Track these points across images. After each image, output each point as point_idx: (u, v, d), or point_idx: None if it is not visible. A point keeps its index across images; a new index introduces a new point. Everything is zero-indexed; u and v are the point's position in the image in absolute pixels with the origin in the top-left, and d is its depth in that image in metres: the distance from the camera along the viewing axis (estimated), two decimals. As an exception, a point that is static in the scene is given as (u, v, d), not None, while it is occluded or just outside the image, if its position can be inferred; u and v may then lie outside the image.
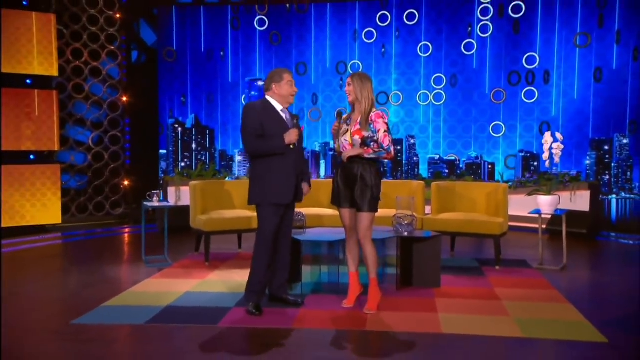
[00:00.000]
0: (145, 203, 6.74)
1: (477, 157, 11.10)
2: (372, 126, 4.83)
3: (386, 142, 4.83)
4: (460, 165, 11.13)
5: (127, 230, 9.62)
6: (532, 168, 10.60)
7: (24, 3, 9.43)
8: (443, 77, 11.19)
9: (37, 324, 4.62)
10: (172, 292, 5.45)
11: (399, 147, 11.45)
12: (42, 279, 6.12)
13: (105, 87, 10.69)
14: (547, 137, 6.63)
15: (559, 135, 6.62)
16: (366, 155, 4.80)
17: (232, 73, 11.85)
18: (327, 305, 5.07)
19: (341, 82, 11.57)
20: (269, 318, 4.71)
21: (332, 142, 5.27)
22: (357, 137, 4.80)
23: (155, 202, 6.68)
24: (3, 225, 9.13)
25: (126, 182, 10.87)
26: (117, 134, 10.80)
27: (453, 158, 11.19)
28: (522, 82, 10.90)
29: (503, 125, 10.97)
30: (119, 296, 5.36)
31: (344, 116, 5.01)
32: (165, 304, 5.08)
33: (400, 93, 11.37)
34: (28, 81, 9.41)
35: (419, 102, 11.31)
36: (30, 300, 5.30)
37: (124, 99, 10.85)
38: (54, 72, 9.59)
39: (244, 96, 11.75)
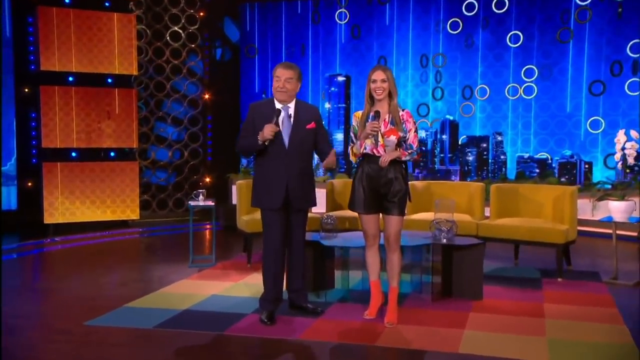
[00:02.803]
0: (190, 203, 6.75)
1: (571, 156, 10.27)
2: (403, 125, 4.60)
3: (416, 143, 4.67)
4: (553, 165, 10.35)
5: (208, 226, 9.61)
6: (637, 168, 9.65)
7: (106, 4, 9.83)
8: (535, 68, 10.44)
9: (53, 323, 4.75)
10: (198, 295, 5.42)
11: (484, 145, 10.86)
12: (85, 275, 6.27)
13: (186, 85, 10.97)
14: (620, 135, 5.98)
15: (634, 133, 5.95)
16: (404, 158, 4.57)
17: (312, 68, 11.72)
18: (349, 315, 4.84)
19: (423, 73, 11.10)
20: (278, 328, 4.54)
21: (350, 144, 4.87)
22: (393, 137, 4.53)
23: (200, 202, 6.68)
24: (85, 220, 9.62)
25: (207, 179, 11.10)
26: (197, 131, 11.06)
27: (545, 157, 10.42)
28: (626, 73, 9.95)
29: (602, 121, 10.07)
30: (144, 297, 5.39)
31: (360, 114, 4.72)
32: (184, 308, 5.04)
33: (487, 87, 10.74)
34: (109, 80, 9.80)
35: (507, 96, 10.62)
36: (61, 298, 5.47)
37: (206, 96, 11.09)
38: (134, 71, 9.92)
39: (323, 92, 11.60)
